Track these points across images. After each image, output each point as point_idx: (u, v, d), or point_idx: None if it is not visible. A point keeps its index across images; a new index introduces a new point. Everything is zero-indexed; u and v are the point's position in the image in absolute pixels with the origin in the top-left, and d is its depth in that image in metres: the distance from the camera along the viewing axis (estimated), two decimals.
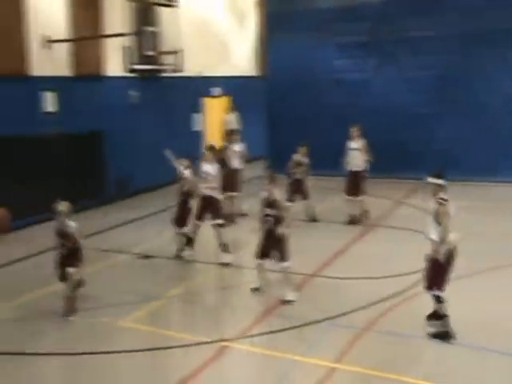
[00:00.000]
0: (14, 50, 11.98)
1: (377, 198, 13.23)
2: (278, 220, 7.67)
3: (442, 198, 6.42)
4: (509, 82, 15.01)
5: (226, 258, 9.39)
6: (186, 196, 9.59)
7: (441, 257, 6.36)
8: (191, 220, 9.63)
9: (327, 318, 7.16)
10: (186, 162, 9.57)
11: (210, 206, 9.51)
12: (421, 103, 15.81)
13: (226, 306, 8.17)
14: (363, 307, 7.43)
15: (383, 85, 16.38)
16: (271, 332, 6.93)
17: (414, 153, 15.66)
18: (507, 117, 15.12)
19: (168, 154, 9.56)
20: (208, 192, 9.47)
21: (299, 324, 7.05)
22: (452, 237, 6.37)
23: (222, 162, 11.34)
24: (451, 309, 6.48)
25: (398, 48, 16.09)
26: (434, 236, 6.38)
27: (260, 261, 7.92)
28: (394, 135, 15.81)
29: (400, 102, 16.07)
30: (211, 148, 10.16)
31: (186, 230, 9.65)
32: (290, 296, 7.76)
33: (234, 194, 12.05)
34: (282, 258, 7.75)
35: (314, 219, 11.91)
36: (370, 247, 10.20)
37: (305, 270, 8.83)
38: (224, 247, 9.49)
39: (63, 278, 7.53)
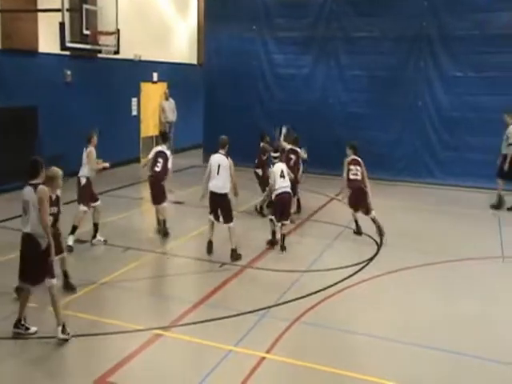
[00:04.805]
0: None
1: (311, 193, 13.61)
2: None
3: None
4: (437, 88, 15.46)
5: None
6: None
7: None
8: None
9: (260, 309, 7.22)
10: None
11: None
12: (356, 103, 16.04)
13: (158, 294, 8.04)
14: (295, 299, 7.56)
15: (321, 83, 16.54)
16: (204, 321, 6.89)
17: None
18: (439, 121, 15.50)
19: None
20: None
21: (233, 314, 7.08)
22: None
23: None
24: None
25: (337, 46, 16.22)
26: None
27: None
28: (329, 132, 16.04)
29: (337, 100, 16.35)
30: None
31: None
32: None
33: None
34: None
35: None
36: (302, 240, 10.35)
37: (240, 262, 8.94)
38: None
39: None
